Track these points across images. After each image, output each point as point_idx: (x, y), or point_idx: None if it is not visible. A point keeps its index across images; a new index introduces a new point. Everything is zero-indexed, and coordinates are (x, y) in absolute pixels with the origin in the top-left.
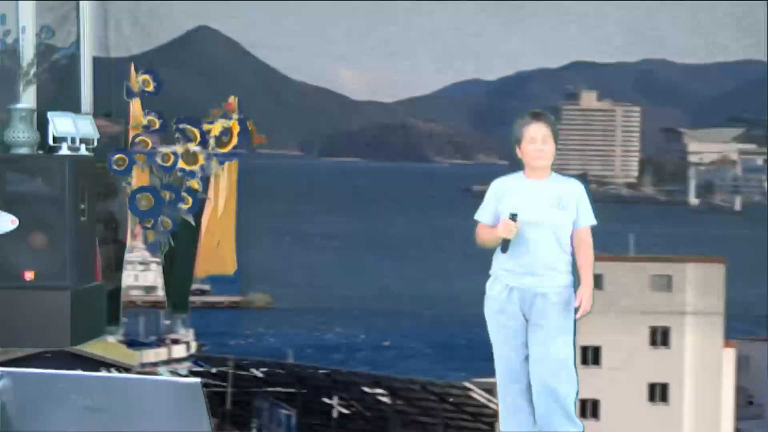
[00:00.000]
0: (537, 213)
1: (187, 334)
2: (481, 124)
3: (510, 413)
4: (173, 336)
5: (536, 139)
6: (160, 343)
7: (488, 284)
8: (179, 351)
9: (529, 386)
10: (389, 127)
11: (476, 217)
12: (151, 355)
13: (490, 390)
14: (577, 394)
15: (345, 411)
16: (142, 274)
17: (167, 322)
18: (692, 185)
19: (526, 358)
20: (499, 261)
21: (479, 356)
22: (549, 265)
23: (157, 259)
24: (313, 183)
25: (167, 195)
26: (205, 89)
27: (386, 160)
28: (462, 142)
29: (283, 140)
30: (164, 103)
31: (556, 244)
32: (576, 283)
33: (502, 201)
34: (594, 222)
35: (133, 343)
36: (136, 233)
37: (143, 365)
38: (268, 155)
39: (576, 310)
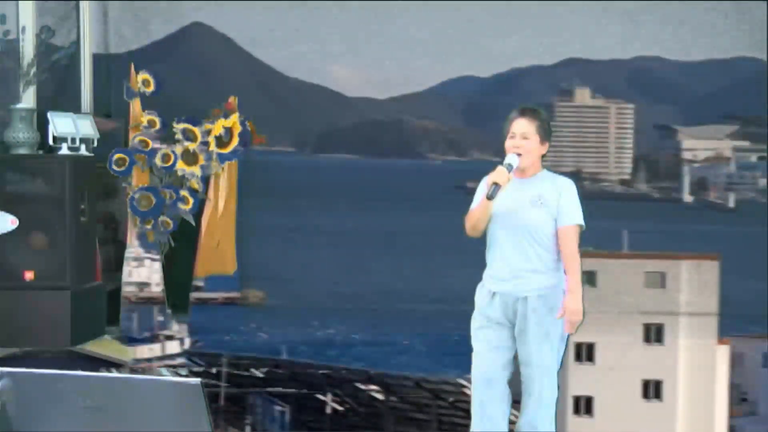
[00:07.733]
0: (509, 212)
1: (181, 331)
2: (475, 121)
3: (480, 420)
4: (166, 332)
5: (515, 135)
6: (153, 339)
7: (477, 289)
8: (173, 347)
9: (503, 395)
10: (383, 124)
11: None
12: (145, 351)
13: None
14: (557, 401)
15: (338, 407)
16: (135, 271)
17: (160, 318)
18: (686, 182)
19: (505, 364)
20: (488, 264)
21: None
22: (525, 267)
23: (151, 256)
24: (307, 180)
25: (167, 195)
26: (199, 86)
27: (380, 156)
28: (456, 138)
29: (277, 137)
30: (164, 103)
31: (532, 244)
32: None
33: None
34: (580, 222)
35: (128, 340)
36: (132, 231)
37: (137, 361)
38: (262, 153)
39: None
